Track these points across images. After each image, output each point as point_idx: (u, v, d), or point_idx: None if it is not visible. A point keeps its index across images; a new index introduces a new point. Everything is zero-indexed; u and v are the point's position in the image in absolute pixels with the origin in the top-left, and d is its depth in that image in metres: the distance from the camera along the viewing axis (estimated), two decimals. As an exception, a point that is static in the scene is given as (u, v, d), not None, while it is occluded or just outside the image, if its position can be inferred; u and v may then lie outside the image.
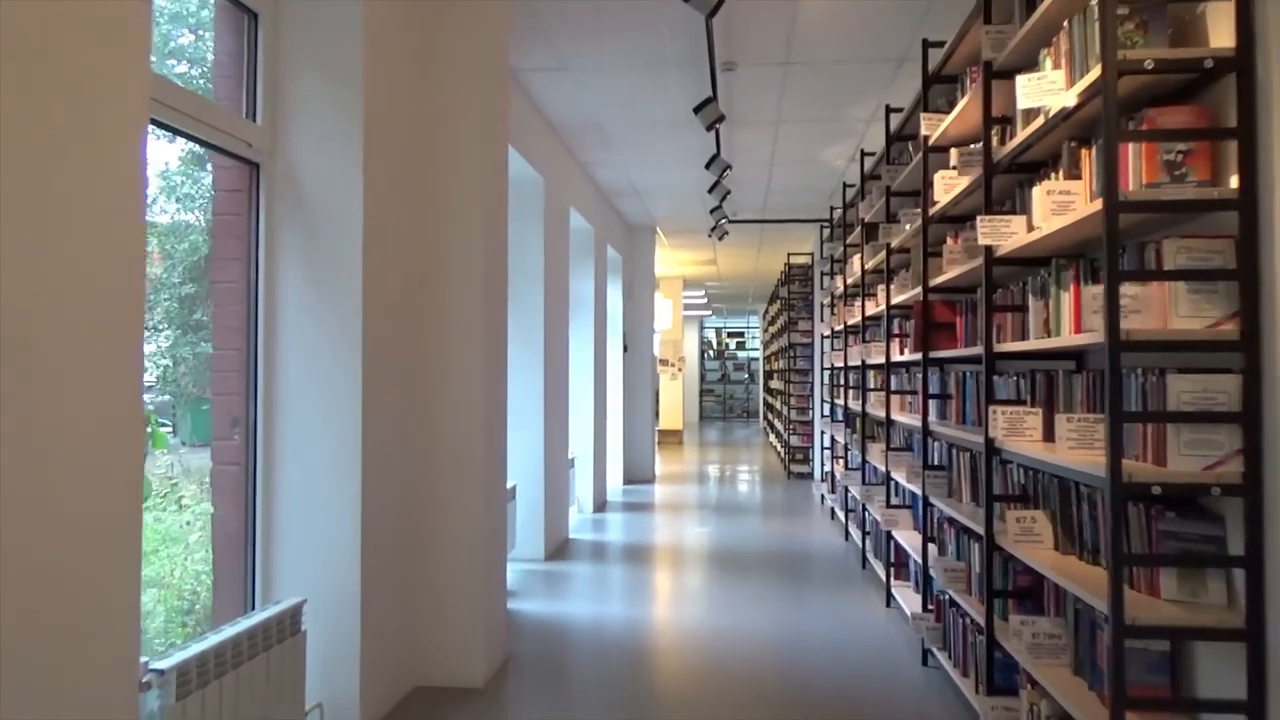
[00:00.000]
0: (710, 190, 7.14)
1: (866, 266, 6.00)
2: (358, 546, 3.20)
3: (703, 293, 18.81)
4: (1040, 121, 2.70)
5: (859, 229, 6.28)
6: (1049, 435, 2.88)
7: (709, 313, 24.23)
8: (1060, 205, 2.59)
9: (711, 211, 8.17)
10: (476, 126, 3.85)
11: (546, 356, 6.32)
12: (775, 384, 15.32)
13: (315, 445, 3.20)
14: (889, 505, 5.06)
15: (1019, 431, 2.91)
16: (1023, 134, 2.87)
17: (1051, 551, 2.79)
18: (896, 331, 5.17)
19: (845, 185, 7.39)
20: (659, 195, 8.96)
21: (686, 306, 20.39)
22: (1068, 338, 2.59)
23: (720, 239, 9.15)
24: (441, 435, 3.82)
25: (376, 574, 3.36)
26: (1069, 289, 2.67)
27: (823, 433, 9.16)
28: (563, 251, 6.96)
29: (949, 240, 3.85)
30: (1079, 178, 2.63)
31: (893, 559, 5.14)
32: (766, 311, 18.27)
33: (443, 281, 3.83)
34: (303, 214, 3.23)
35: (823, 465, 9.31)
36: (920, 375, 4.51)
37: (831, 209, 8.34)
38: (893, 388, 5.16)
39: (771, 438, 16.21)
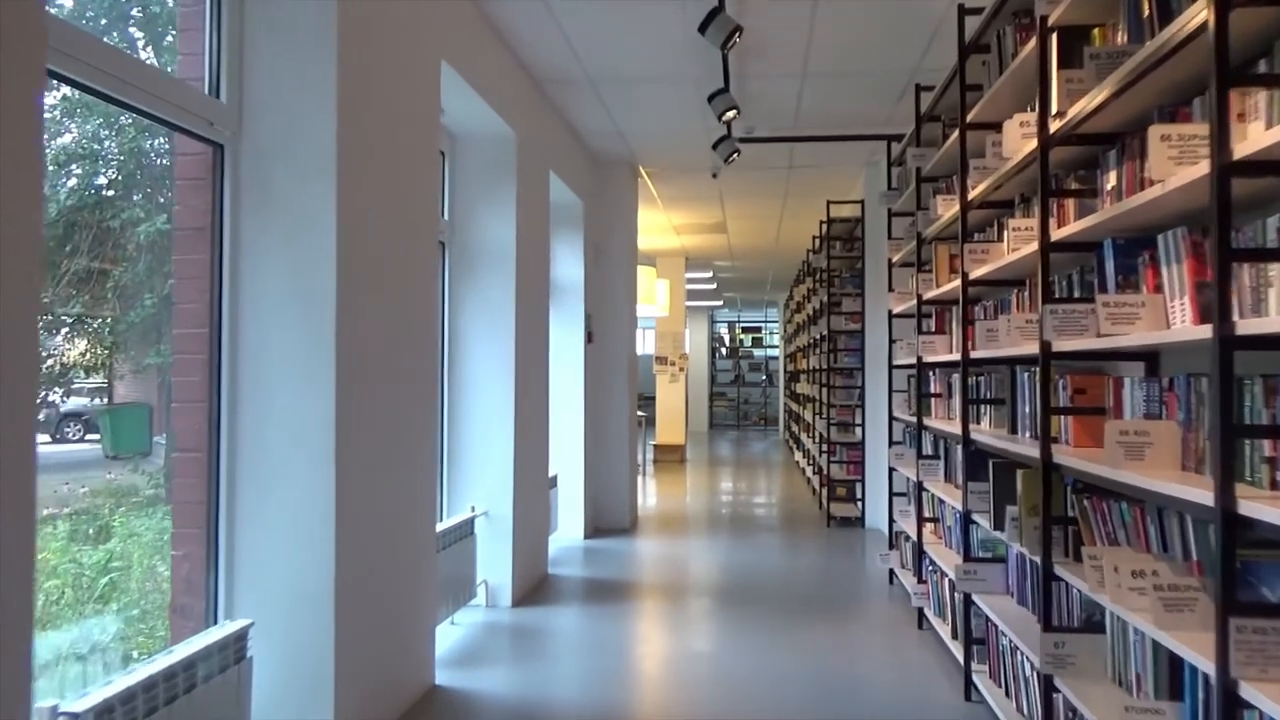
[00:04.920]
0: (703, 28, 3.76)
1: (1022, 154, 2.59)
2: None
3: (710, 274, 15.32)
4: None
5: (1000, 82, 2.87)
6: None
7: (719, 302, 20.76)
8: None
9: (711, 99, 4.77)
10: None
11: (365, 345, 2.94)
12: (803, 388, 11.84)
13: None
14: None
15: None
16: None
17: None
18: (1183, 269, 1.78)
19: (964, 20, 3.94)
20: (629, 95, 5.52)
21: (691, 295, 16.88)
22: None
23: (728, 160, 5.74)
24: None
25: None
26: None
27: (891, 470, 5.73)
28: (422, 145, 3.58)
29: None
30: None
31: None
32: (790, 297, 14.72)
33: None
34: None
35: (891, 519, 5.88)
36: None
37: (918, 89, 4.87)
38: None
39: (797, 455, 12.74)
